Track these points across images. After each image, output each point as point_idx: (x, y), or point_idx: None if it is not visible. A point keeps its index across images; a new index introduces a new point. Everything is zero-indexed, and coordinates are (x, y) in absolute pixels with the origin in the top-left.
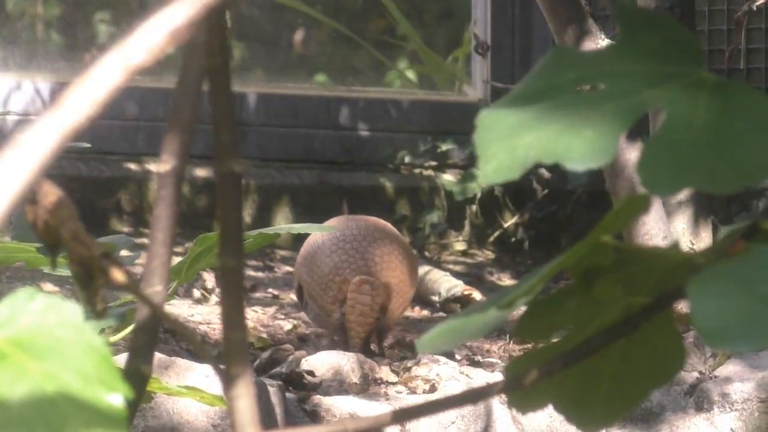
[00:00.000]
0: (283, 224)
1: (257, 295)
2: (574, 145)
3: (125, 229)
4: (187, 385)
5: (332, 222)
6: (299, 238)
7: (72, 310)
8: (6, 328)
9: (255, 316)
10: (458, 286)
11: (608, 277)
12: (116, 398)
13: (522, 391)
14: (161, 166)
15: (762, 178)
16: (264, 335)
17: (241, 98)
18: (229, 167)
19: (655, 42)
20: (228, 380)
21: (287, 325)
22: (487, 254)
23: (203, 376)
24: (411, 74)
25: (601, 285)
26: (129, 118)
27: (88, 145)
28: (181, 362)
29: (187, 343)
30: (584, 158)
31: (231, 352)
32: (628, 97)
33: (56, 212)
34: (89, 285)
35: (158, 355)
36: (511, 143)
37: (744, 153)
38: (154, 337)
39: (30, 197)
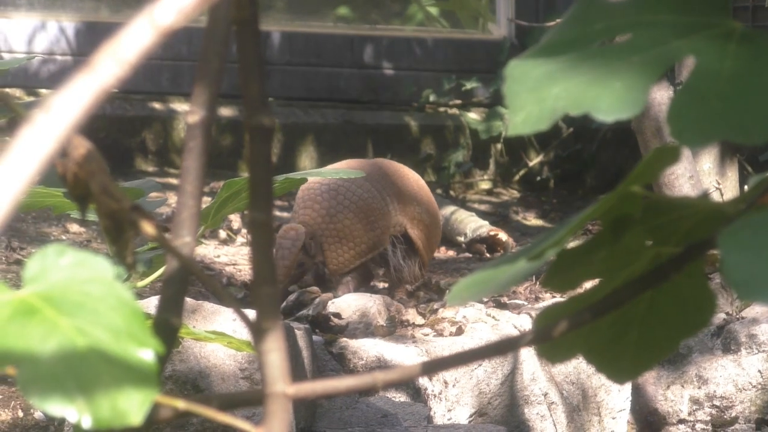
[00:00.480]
0: (308, 163)
1: None
2: (603, 96)
3: (150, 169)
4: (215, 331)
5: (346, 164)
6: None
7: (102, 265)
8: (36, 284)
9: None
10: (484, 227)
11: (637, 227)
12: (147, 353)
13: (551, 342)
14: (190, 117)
15: None
16: None
17: (264, 37)
18: (258, 121)
19: None
20: (259, 334)
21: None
22: (512, 193)
23: (230, 319)
24: (434, 10)
25: (629, 235)
26: (153, 57)
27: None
28: (208, 306)
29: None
30: (613, 109)
31: (262, 307)
32: (657, 47)
33: (85, 165)
34: (119, 238)
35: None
36: (539, 94)
37: None
38: (183, 289)
39: (60, 150)
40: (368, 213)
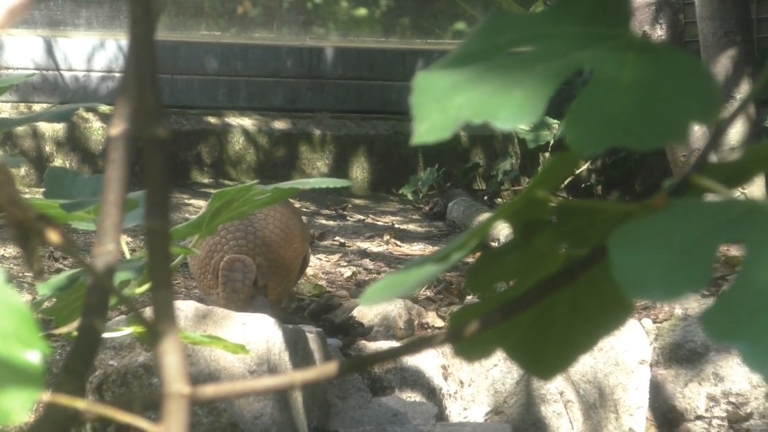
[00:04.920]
0: (359, 173)
1: (325, 243)
2: (503, 105)
3: (206, 180)
4: (210, 335)
5: None
6: (375, 188)
7: None
8: None
9: (318, 264)
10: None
11: (550, 231)
12: (34, 355)
13: (466, 342)
14: (112, 129)
15: (685, 135)
16: (323, 282)
17: (318, 52)
18: (153, 131)
19: (586, 5)
20: (156, 336)
21: (347, 272)
22: (559, 200)
23: (240, 324)
24: None
25: (541, 238)
26: (209, 73)
27: (101, 105)
28: (219, 311)
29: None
30: (512, 118)
31: (158, 310)
32: (558, 58)
33: None
34: (26, 246)
35: (196, 305)
36: (443, 104)
37: (668, 111)
38: (106, 296)
39: None
40: (298, 246)
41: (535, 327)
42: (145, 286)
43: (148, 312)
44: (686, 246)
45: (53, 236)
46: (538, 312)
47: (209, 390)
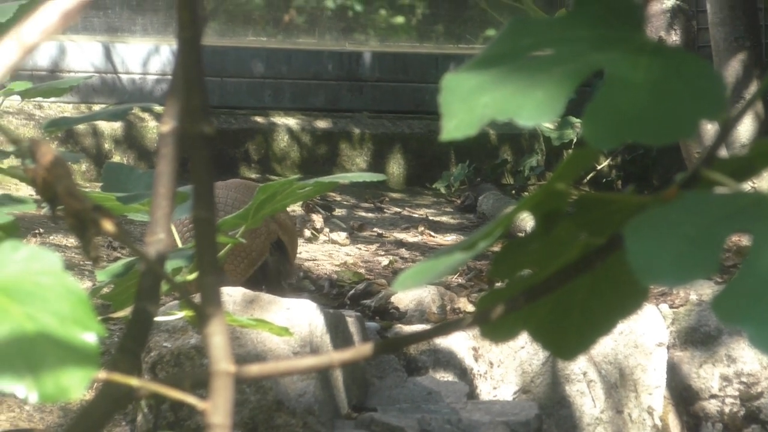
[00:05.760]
0: (395, 169)
1: (364, 233)
2: (525, 104)
3: (253, 176)
4: (257, 318)
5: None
6: (410, 182)
7: (53, 258)
8: None
9: (357, 253)
10: None
11: (570, 221)
12: (90, 336)
13: (492, 324)
14: (162, 127)
15: (694, 131)
16: (362, 270)
17: (356, 56)
18: (199, 129)
19: (602, 10)
20: (203, 319)
21: (385, 261)
22: (581, 193)
23: (284, 308)
24: None
25: (561, 228)
26: (256, 76)
27: (155, 105)
28: (265, 296)
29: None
30: (534, 116)
31: (205, 294)
32: (576, 60)
33: (53, 170)
34: (84, 235)
35: (243, 291)
36: (470, 103)
37: (678, 109)
38: (158, 281)
39: (31, 157)
40: (262, 236)
41: (556, 311)
42: (195, 274)
43: (198, 297)
44: (695, 235)
45: (108, 226)
46: (559, 297)
47: (254, 369)
